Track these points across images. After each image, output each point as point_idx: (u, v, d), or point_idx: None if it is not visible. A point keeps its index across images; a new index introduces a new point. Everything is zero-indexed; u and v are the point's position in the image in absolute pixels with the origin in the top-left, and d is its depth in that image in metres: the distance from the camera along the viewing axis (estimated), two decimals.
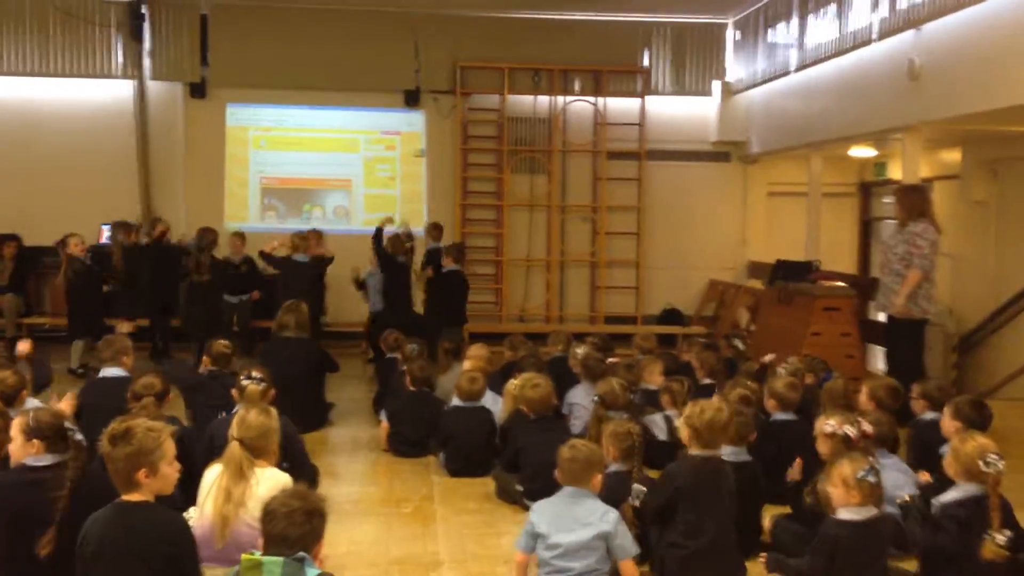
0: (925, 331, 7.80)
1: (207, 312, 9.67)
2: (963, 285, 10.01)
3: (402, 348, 7.66)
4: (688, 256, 12.74)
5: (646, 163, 12.59)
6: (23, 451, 3.73)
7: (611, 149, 12.59)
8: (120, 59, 11.92)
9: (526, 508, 5.17)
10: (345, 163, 12.43)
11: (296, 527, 3.01)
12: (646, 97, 12.58)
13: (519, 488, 5.39)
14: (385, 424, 6.75)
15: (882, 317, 8.38)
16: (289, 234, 9.82)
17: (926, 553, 3.99)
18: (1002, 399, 8.55)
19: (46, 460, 3.72)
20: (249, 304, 10.38)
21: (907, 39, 8.29)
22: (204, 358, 6.70)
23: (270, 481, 3.98)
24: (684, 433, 4.23)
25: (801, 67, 10.60)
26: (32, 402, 4.67)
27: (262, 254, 9.56)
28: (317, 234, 9.90)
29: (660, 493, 4.16)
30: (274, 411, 4.34)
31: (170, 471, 3.29)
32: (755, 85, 11.94)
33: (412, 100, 12.29)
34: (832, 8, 9.89)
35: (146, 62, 11.95)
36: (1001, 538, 3.68)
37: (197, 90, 12.06)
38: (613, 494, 4.23)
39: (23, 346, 6.14)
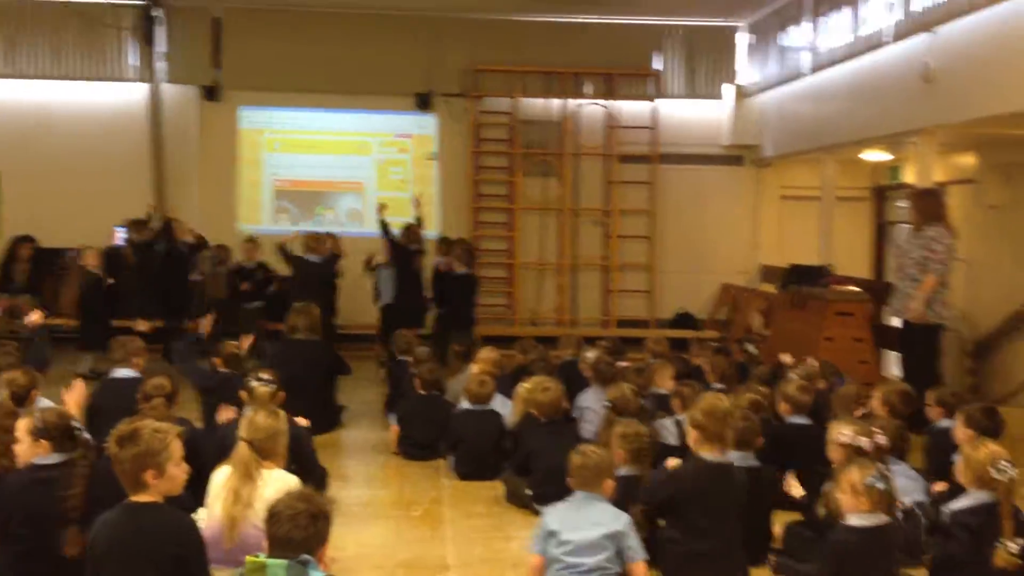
0: (940, 337, 7.73)
1: (225, 323, 9.66)
2: (978, 290, 9.92)
3: (413, 351, 7.65)
4: (701, 260, 12.69)
5: (658, 167, 12.56)
6: (31, 451, 3.75)
7: (623, 152, 12.56)
8: (134, 62, 12.01)
9: (535, 512, 5.17)
10: (357, 166, 12.46)
11: (300, 530, 3.00)
12: (658, 100, 12.55)
13: (528, 492, 5.38)
14: (395, 427, 6.74)
15: (897, 322, 8.32)
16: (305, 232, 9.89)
17: (937, 561, 3.96)
18: (1018, 406, 8.47)
19: (55, 459, 3.75)
20: (263, 313, 10.40)
21: (921, 42, 8.23)
22: (215, 359, 6.70)
23: (278, 483, 3.97)
24: (691, 437, 4.20)
25: (814, 70, 10.55)
26: (43, 402, 4.68)
27: (280, 248, 9.57)
28: (332, 237, 9.92)
29: (661, 490, 4.14)
30: (283, 413, 4.34)
31: (177, 472, 3.29)
32: (768, 88, 11.90)
33: (424, 103, 12.31)
34: (845, 11, 9.83)
35: (160, 65, 12.03)
36: (1014, 546, 3.64)
37: (211, 93, 12.12)
38: (623, 497, 4.21)
39: (35, 316, 6.13)
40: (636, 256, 12.64)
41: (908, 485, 4.51)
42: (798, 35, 11.10)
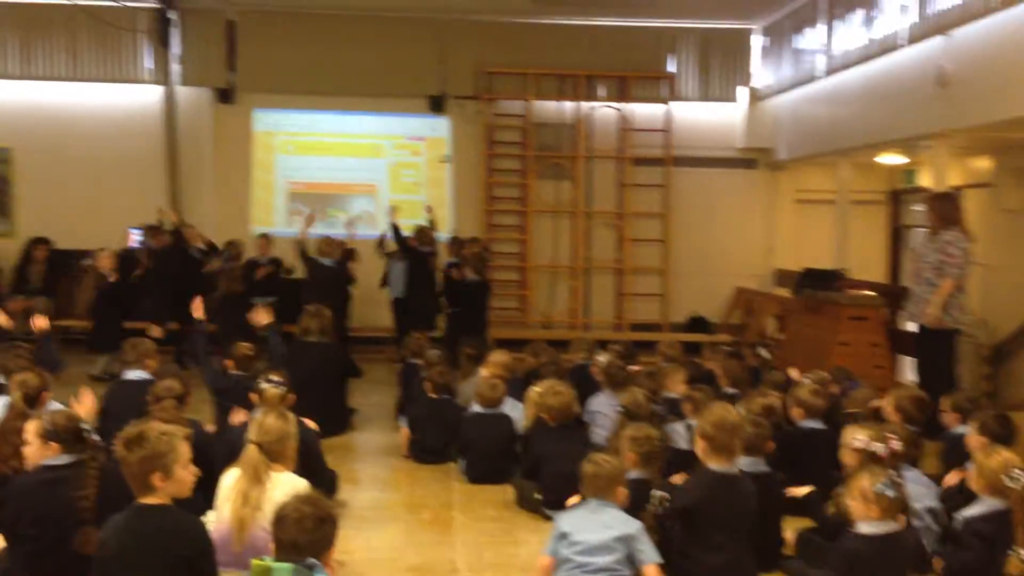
0: (957, 342, 7.67)
1: (238, 322, 9.67)
2: (995, 295, 9.84)
3: (424, 353, 7.64)
4: (714, 263, 12.64)
5: (672, 169, 12.52)
6: (40, 454, 3.77)
7: (636, 155, 12.53)
8: (149, 65, 12.06)
9: (545, 517, 5.15)
10: (370, 168, 12.48)
11: (307, 533, 3.00)
12: (672, 103, 12.51)
13: (538, 496, 5.36)
14: (405, 430, 6.73)
15: (912, 327, 8.26)
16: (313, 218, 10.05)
17: (949, 569, 3.92)
18: None
19: (64, 460, 3.76)
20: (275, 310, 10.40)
21: (936, 45, 8.18)
22: (227, 361, 6.70)
23: (286, 486, 3.97)
24: (699, 447, 4.17)
25: (829, 73, 10.50)
26: (54, 404, 4.69)
27: (298, 245, 9.58)
28: (343, 244, 9.95)
29: (673, 511, 4.13)
30: (292, 416, 4.34)
31: (185, 474, 3.29)
32: (782, 91, 11.85)
33: (437, 105, 12.32)
34: (860, 13, 9.78)
35: (175, 68, 12.08)
36: None
37: (225, 95, 12.17)
38: (633, 501, 4.20)
39: (40, 321, 6.15)
40: (649, 259, 12.60)
41: (920, 492, 4.46)
42: (813, 38, 11.05)
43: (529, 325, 12.30)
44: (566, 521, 4.01)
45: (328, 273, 9.41)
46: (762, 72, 12.53)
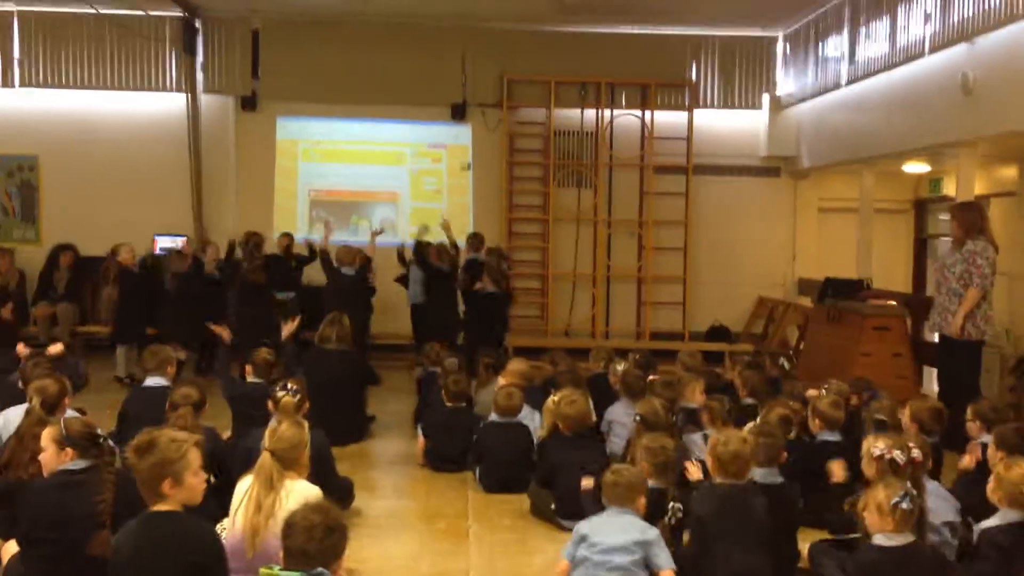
0: (981, 352, 7.57)
1: (260, 313, 9.68)
2: (1020, 305, 9.72)
3: (442, 362, 7.65)
4: (736, 272, 12.56)
5: (693, 178, 12.47)
6: (56, 460, 3.80)
7: (658, 163, 12.49)
8: (174, 73, 12.16)
9: (560, 527, 5.13)
10: (392, 176, 12.52)
11: (316, 542, 3.00)
12: (694, 111, 12.47)
13: (553, 506, 5.34)
14: (422, 439, 6.73)
15: (936, 337, 8.16)
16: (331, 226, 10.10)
17: None
18: None
19: (81, 465, 3.79)
20: (296, 307, 10.43)
21: (960, 52, 8.10)
22: (247, 367, 6.73)
23: (300, 493, 3.97)
24: (709, 462, 4.16)
25: (852, 81, 10.42)
26: (70, 412, 4.73)
27: (320, 253, 9.61)
28: (361, 253, 9.97)
29: (690, 530, 4.12)
30: (306, 424, 4.35)
31: (195, 481, 3.30)
32: (805, 99, 11.77)
33: (459, 113, 12.34)
34: (884, 21, 9.70)
35: (199, 76, 12.18)
36: None
37: (248, 103, 12.26)
38: (648, 510, 4.21)
39: (54, 348, 6.29)
40: (670, 268, 12.55)
41: (940, 506, 4.40)
42: (836, 45, 10.98)
43: (549, 333, 12.27)
44: (585, 526, 4.11)
45: (348, 282, 9.43)
46: (785, 80, 12.46)
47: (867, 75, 10.01)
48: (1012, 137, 7.74)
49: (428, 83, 12.17)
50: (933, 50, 8.60)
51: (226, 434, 5.98)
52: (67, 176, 12.02)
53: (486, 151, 12.45)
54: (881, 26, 9.78)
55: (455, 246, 10.10)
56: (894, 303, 9.11)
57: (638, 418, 5.44)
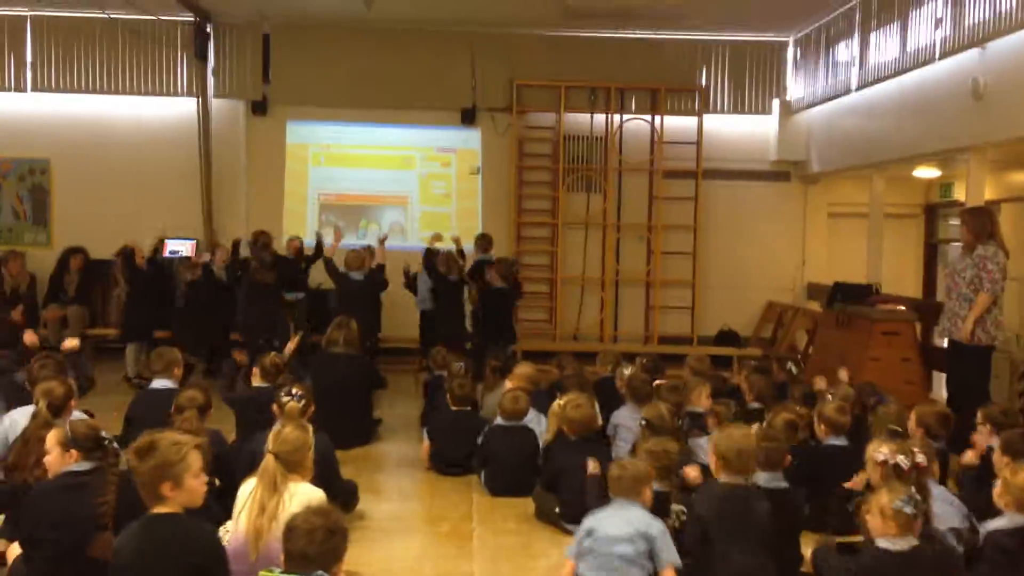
0: (990, 358, 7.53)
1: (268, 312, 9.70)
2: None
3: (449, 366, 7.66)
4: (746, 277, 12.54)
5: (703, 182, 12.45)
6: (60, 462, 3.82)
7: (667, 168, 12.47)
8: (185, 77, 12.22)
9: (564, 530, 5.13)
10: (401, 180, 12.54)
11: (316, 545, 3.01)
12: (704, 115, 12.45)
13: (557, 510, 5.33)
14: (427, 442, 6.74)
15: (945, 342, 8.12)
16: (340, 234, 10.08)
17: None
18: None
19: (85, 466, 3.81)
20: (304, 308, 10.47)
21: (971, 57, 8.08)
22: (255, 369, 6.74)
23: (303, 496, 3.98)
24: (712, 462, 4.15)
25: (862, 86, 10.39)
26: (76, 414, 4.75)
27: (325, 262, 9.64)
28: (370, 250, 9.99)
29: (691, 530, 4.10)
30: (310, 427, 4.36)
31: (196, 484, 3.30)
32: (815, 104, 11.75)
33: (468, 118, 12.36)
34: (894, 26, 9.67)
35: (210, 80, 12.23)
36: None
37: (259, 107, 12.30)
38: (652, 514, 4.20)
39: (70, 343, 6.29)
40: (679, 272, 12.53)
41: (946, 511, 4.38)
42: (846, 50, 10.95)
43: (558, 337, 12.27)
44: (591, 519, 4.17)
45: (356, 286, 9.44)
46: (795, 84, 12.43)
47: (878, 80, 9.98)
48: (1022, 142, 7.72)
49: (438, 87, 12.20)
50: (944, 55, 8.57)
51: (232, 437, 5.99)
52: (78, 180, 12.09)
53: (495, 155, 12.46)
54: (892, 31, 9.75)
55: (462, 253, 10.11)
56: (903, 308, 9.07)
57: (644, 423, 5.45)
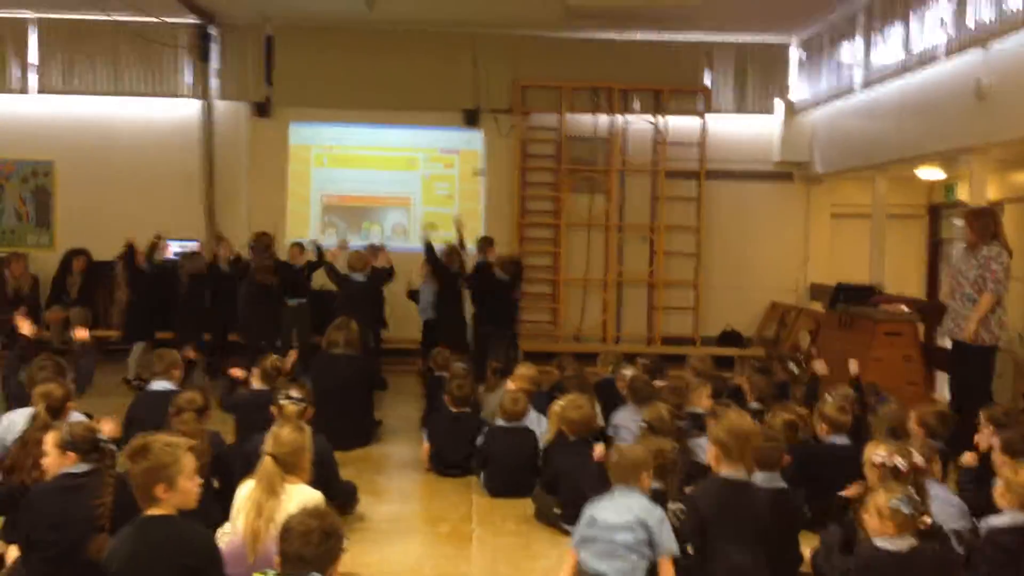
0: (994, 358, 7.50)
1: (268, 314, 9.70)
2: None
3: (450, 367, 7.65)
4: (748, 277, 12.51)
5: (706, 183, 12.43)
6: (58, 463, 3.82)
7: (670, 168, 12.45)
8: (188, 79, 12.24)
9: (564, 531, 5.12)
10: (404, 181, 12.53)
11: (312, 547, 3.00)
12: (707, 116, 12.43)
13: (557, 511, 5.32)
14: (426, 444, 6.73)
15: (948, 343, 8.10)
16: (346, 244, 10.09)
17: None
18: None
19: (83, 468, 3.82)
20: (307, 313, 10.46)
21: (974, 58, 8.05)
22: (255, 370, 6.73)
23: (301, 498, 3.97)
24: (711, 454, 4.16)
25: (866, 86, 10.36)
26: (76, 415, 4.75)
27: (327, 267, 9.64)
28: (374, 251, 9.98)
29: (690, 526, 4.09)
30: (308, 429, 4.35)
31: (190, 485, 3.30)
32: (819, 104, 11.72)
33: (471, 119, 12.35)
34: (898, 26, 9.65)
35: (213, 82, 12.25)
36: None
37: (262, 109, 12.30)
38: None
39: (81, 332, 6.28)
40: (682, 273, 12.51)
41: (947, 511, 4.36)
42: (850, 51, 10.92)
43: (560, 338, 12.26)
44: (592, 507, 4.23)
45: (358, 288, 9.44)
46: (799, 85, 12.40)
47: (881, 80, 9.95)
48: None
49: (441, 89, 12.19)
50: (947, 55, 8.54)
51: (231, 439, 5.99)
52: (81, 182, 12.10)
53: (498, 156, 12.45)
54: (895, 31, 9.72)
55: (463, 244, 10.10)
56: (906, 308, 9.05)
57: (644, 424, 5.43)
